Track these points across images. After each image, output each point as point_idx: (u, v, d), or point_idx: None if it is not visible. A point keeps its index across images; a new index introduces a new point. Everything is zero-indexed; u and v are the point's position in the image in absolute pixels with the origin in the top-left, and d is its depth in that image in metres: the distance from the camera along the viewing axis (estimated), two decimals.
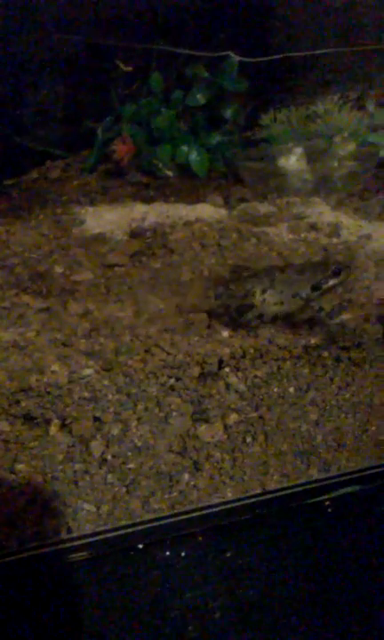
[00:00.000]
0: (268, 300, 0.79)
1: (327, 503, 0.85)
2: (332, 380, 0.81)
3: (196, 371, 0.75)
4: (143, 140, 1.52)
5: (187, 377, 0.75)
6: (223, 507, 0.81)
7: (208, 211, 1.36)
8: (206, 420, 0.77)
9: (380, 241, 1.22)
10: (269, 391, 0.79)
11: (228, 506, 0.81)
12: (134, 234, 1.26)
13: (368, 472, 0.86)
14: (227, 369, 0.76)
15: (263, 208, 1.33)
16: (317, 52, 1.51)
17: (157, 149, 1.47)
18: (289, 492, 0.84)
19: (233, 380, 0.77)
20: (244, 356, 0.77)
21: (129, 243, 1.23)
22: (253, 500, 0.82)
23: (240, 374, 0.77)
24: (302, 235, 1.24)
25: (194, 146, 1.50)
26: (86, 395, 0.70)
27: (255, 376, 0.78)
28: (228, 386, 0.77)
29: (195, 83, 1.54)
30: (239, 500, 0.82)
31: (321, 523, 0.85)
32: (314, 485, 0.84)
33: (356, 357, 0.80)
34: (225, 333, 0.79)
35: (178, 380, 0.75)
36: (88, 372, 0.70)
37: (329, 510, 0.85)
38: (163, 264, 1.14)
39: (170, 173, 1.44)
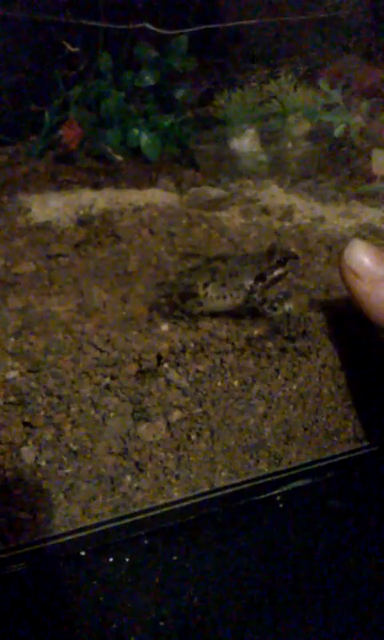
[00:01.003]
0: (210, 293, 0.73)
1: (278, 498, 0.81)
2: (277, 371, 0.76)
3: (133, 368, 0.70)
4: (92, 123, 1.44)
5: (123, 375, 0.70)
6: (169, 507, 0.76)
7: (159, 196, 1.30)
8: (147, 419, 0.71)
9: (332, 223, 1.17)
10: (213, 386, 0.74)
11: (175, 506, 0.77)
12: (81, 222, 1.20)
13: (319, 464, 0.82)
14: (166, 365, 0.71)
15: (215, 192, 1.27)
16: (243, 22, 1.44)
17: (106, 133, 1.40)
18: (238, 488, 0.79)
19: (173, 375, 0.71)
20: (184, 351, 0.71)
21: (75, 231, 1.17)
22: (201, 498, 0.78)
23: (181, 369, 0.72)
24: (254, 219, 1.19)
25: (145, 129, 1.43)
26: (13, 399, 0.65)
27: (197, 371, 0.72)
28: (168, 382, 0.72)
29: (143, 63, 1.46)
30: (186, 499, 0.77)
31: (272, 518, 0.80)
32: (264, 480, 0.80)
33: (301, 347, 0.76)
34: (165, 327, 0.74)
35: (113, 378, 0.69)
36: (12, 374, 0.64)
37: (280, 505, 0.81)
38: (109, 253, 1.08)
39: (120, 158, 1.37)
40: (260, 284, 0.73)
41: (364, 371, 0.80)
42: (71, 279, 0.99)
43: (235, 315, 0.75)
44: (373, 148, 1.36)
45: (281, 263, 0.75)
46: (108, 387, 0.68)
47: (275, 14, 1.68)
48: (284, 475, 0.80)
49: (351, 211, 1.19)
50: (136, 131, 1.43)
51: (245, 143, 1.38)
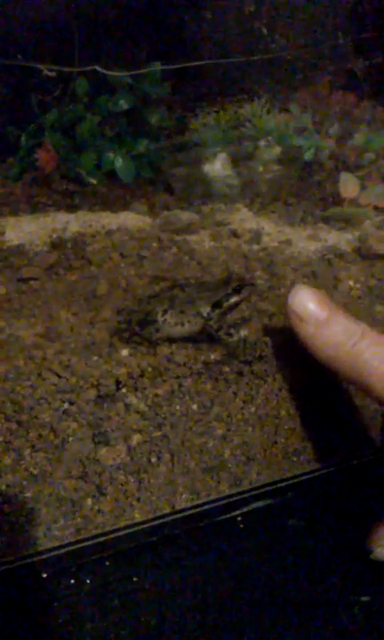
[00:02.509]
0: (169, 320, 0.76)
1: (239, 519, 0.83)
2: (235, 394, 0.78)
3: (91, 393, 0.72)
4: (67, 147, 1.47)
5: (82, 400, 0.71)
6: (130, 529, 0.78)
7: (132, 219, 1.33)
8: (107, 443, 0.73)
9: (299, 246, 1.20)
10: (172, 409, 0.76)
11: (136, 528, 0.78)
12: (55, 245, 1.22)
13: (279, 485, 0.83)
14: (124, 389, 0.73)
15: (186, 215, 1.29)
16: (217, 61, 1.49)
17: (81, 157, 1.42)
18: (199, 509, 0.81)
19: (132, 400, 0.73)
20: (142, 375, 0.73)
21: (48, 254, 1.19)
22: (162, 520, 0.79)
23: (139, 394, 0.74)
24: (224, 242, 1.21)
25: (119, 152, 1.46)
26: None
27: (156, 395, 0.74)
28: (127, 406, 0.73)
29: (118, 88, 1.50)
30: (147, 521, 0.79)
31: (233, 539, 0.82)
32: (224, 501, 0.82)
33: (258, 370, 0.78)
34: (124, 352, 0.76)
35: (72, 404, 0.71)
36: None
37: (241, 526, 0.82)
38: (80, 276, 1.10)
39: (94, 181, 1.40)
40: (217, 310, 0.76)
41: (320, 393, 0.83)
42: (41, 302, 1.01)
43: (192, 340, 0.77)
44: (342, 171, 1.39)
45: (237, 291, 0.77)
46: (66, 412, 0.70)
47: (248, 41, 1.72)
48: (244, 495, 0.82)
49: (318, 234, 1.22)
50: (111, 154, 1.46)
51: (218, 166, 1.41)
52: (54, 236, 1.25)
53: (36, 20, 1.53)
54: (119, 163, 1.43)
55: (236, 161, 1.46)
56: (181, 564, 0.78)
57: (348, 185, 1.32)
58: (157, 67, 1.45)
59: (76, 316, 0.95)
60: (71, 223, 1.30)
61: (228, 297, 0.76)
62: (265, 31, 1.65)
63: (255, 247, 1.18)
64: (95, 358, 0.73)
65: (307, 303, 0.65)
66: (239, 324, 0.79)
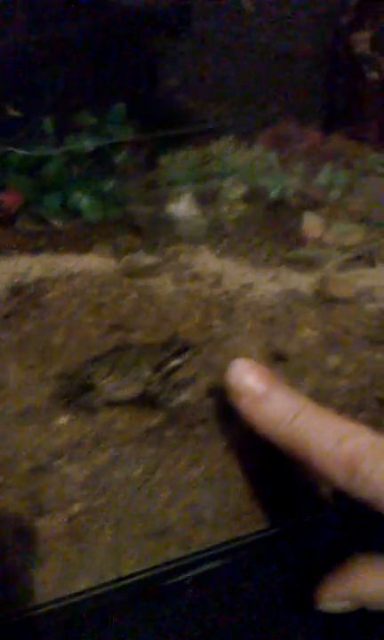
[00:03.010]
0: (108, 385, 0.74)
1: (188, 582, 0.80)
2: (178, 458, 0.76)
3: (25, 466, 0.70)
4: (32, 187, 1.46)
5: (16, 474, 0.69)
6: (73, 599, 0.76)
7: (95, 262, 1.32)
8: (44, 514, 0.71)
9: (261, 289, 1.19)
10: (112, 478, 0.74)
11: (79, 597, 0.76)
12: (14, 291, 1.21)
13: (230, 545, 0.81)
14: (60, 460, 0.71)
15: (149, 259, 1.29)
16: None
17: (45, 198, 1.42)
18: (145, 575, 0.78)
19: (69, 470, 0.71)
20: (79, 445, 0.72)
21: (6, 301, 1.17)
22: (106, 588, 0.77)
23: (76, 465, 0.72)
24: (185, 286, 1.20)
25: (86, 192, 1.45)
26: None
27: (94, 464, 0.73)
28: (65, 477, 0.72)
29: (83, 129, 1.50)
30: (91, 589, 0.76)
31: (182, 603, 0.80)
32: (172, 565, 0.80)
33: (201, 434, 0.76)
34: (63, 419, 0.74)
35: (7, 477, 0.69)
36: None
37: (190, 590, 0.80)
38: (35, 326, 1.08)
39: (58, 223, 1.39)
40: (158, 374, 0.74)
41: (268, 452, 0.81)
42: None
43: (132, 406, 0.75)
44: (306, 210, 1.39)
45: (178, 354, 0.76)
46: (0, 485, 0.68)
47: (214, 77, 1.73)
48: (193, 558, 0.80)
49: (279, 276, 1.21)
50: (78, 194, 1.45)
51: (183, 206, 1.40)
52: (15, 281, 1.24)
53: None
54: (85, 203, 1.42)
55: (201, 200, 1.45)
56: (126, 632, 0.76)
57: (312, 224, 1.32)
58: (121, 107, 1.45)
59: (27, 370, 0.93)
60: (34, 267, 1.29)
61: (167, 360, 0.75)
62: (230, 68, 1.65)
63: (216, 291, 1.17)
64: (31, 427, 0.72)
65: (244, 377, 0.64)
66: (181, 385, 0.78)
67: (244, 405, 0.64)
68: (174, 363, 0.76)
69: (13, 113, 1.54)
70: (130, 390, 0.75)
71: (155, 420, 0.75)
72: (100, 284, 1.19)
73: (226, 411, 0.76)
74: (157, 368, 0.75)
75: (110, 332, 1.05)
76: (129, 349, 0.79)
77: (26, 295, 1.17)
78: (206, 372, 0.86)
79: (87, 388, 0.75)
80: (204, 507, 0.79)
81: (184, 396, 0.77)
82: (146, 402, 0.76)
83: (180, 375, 0.80)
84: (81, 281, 1.20)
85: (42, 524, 0.71)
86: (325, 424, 0.64)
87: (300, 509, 0.82)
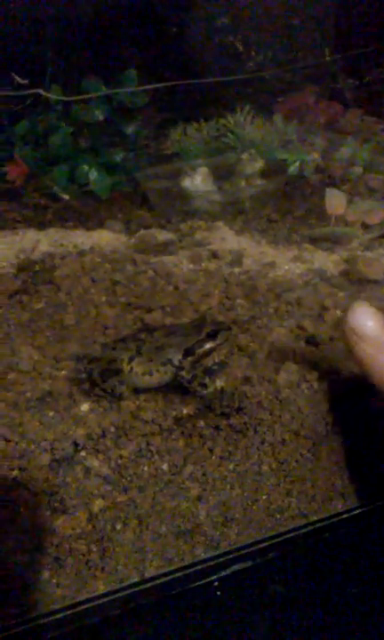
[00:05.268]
0: (136, 369, 0.65)
1: (216, 584, 0.73)
2: (211, 450, 0.68)
3: (45, 458, 0.61)
4: (39, 159, 1.36)
5: (34, 467, 0.61)
6: (93, 603, 0.68)
7: (106, 238, 1.22)
8: (64, 511, 0.63)
9: (283, 269, 1.10)
10: (138, 471, 0.65)
11: (100, 601, 0.68)
12: (21, 267, 1.11)
13: (260, 545, 0.74)
14: (84, 452, 0.63)
15: (163, 235, 1.19)
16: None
17: (54, 170, 1.31)
18: (171, 576, 0.71)
19: (93, 463, 0.63)
20: (104, 436, 0.63)
21: (14, 277, 1.08)
22: (129, 591, 0.69)
23: (101, 456, 0.63)
24: (203, 264, 1.11)
25: (94, 165, 1.35)
26: None
27: (120, 456, 0.64)
28: (87, 470, 0.63)
29: (93, 98, 1.39)
30: (112, 592, 0.68)
31: (210, 606, 0.72)
32: (200, 567, 0.72)
33: (236, 424, 0.67)
34: (84, 407, 0.65)
35: (23, 470, 0.60)
36: None
37: (218, 593, 0.72)
38: (46, 304, 0.99)
39: (66, 196, 1.29)
40: (189, 358, 0.65)
41: (307, 443, 0.73)
42: (2, 334, 0.90)
43: (162, 392, 0.66)
44: (328, 186, 1.30)
45: (211, 336, 0.67)
46: (15, 480, 0.59)
47: (232, 50, 1.62)
48: (221, 559, 0.72)
49: (303, 255, 1.12)
50: (85, 167, 1.35)
51: (198, 181, 1.30)
52: (22, 256, 1.15)
53: (7, 25, 1.42)
54: (94, 176, 1.32)
55: (217, 175, 1.35)
56: (152, 637, 0.68)
57: (335, 201, 1.22)
58: (133, 73, 1.34)
59: (40, 350, 0.84)
60: (41, 242, 1.19)
61: (201, 343, 0.66)
62: (248, 41, 1.54)
63: (236, 270, 1.08)
64: (50, 414, 0.63)
65: (368, 322, 0.58)
66: (215, 370, 0.69)
67: (364, 351, 0.59)
68: (207, 346, 0.68)
69: (20, 81, 1.43)
70: (158, 376, 0.66)
71: (185, 409, 0.66)
72: (113, 261, 1.09)
73: (265, 397, 0.68)
74: (188, 352, 0.66)
75: (126, 312, 0.96)
76: (155, 331, 0.70)
77: (34, 271, 1.08)
78: (238, 356, 0.77)
79: (112, 372, 0.66)
80: (234, 504, 0.70)
81: (220, 382, 0.68)
82: (176, 389, 0.67)
83: (211, 360, 0.71)
84: (92, 258, 1.10)
85: (61, 521, 0.63)
86: None
87: (340, 505, 0.74)
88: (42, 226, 1.25)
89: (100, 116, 1.35)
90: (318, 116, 1.48)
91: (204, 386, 0.64)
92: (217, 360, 0.71)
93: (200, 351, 0.66)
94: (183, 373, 0.63)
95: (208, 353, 0.66)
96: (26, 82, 1.43)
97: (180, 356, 0.64)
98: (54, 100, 1.40)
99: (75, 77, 1.43)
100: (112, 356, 0.66)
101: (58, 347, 0.86)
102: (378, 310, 0.60)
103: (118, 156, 1.36)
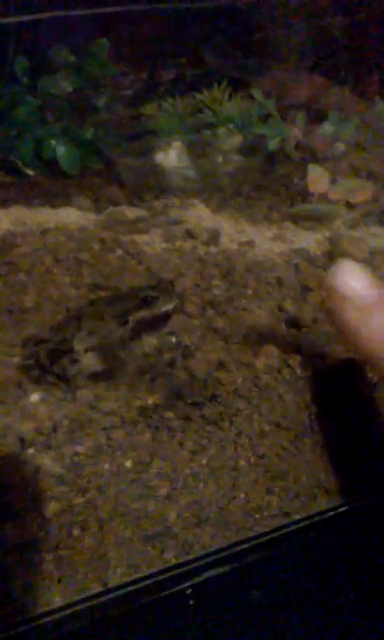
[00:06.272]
0: (77, 347, 0.55)
1: (188, 592, 0.64)
2: (181, 444, 0.59)
3: None
4: (2, 133, 1.25)
5: None
6: (48, 617, 0.59)
7: (73, 216, 1.12)
8: (11, 517, 0.53)
9: (262, 248, 1.01)
10: (98, 469, 0.56)
11: (56, 616, 0.59)
12: None
13: (237, 548, 0.65)
14: (32, 449, 0.53)
15: (134, 212, 1.09)
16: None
17: (16, 144, 1.20)
18: (138, 585, 0.62)
19: (44, 461, 0.54)
20: (55, 430, 0.54)
21: None
22: (90, 602, 0.60)
23: (53, 454, 0.54)
24: (177, 243, 1.02)
25: (62, 140, 1.24)
26: None
27: (75, 453, 0.55)
28: (36, 470, 0.54)
29: (60, 68, 1.28)
30: (71, 605, 0.60)
31: (181, 617, 0.63)
32: (170, 573, 0.63)
33: (210, 414, 0.59)
34: (35, 397, 0.56)
35: None
36: None
37: (191, 602, 0.64)
38: (4, 285, 0.89)
39: (30, 172, 1.18)
40: (125, 329, 0.55)
41: (287, 434, 0.64)
42: None
43: (125, 379, 0.57)
44: (310, 163, 1.21)
45: (147, 302, 0.56)
46: None
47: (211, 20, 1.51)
48: (194, 564, 0.63)
49: (284, 234, 1.04)
50: (52, 142, 1.24)
51: (172, 157, 1.21)
52: None
53: None
54: (61, 151, 1.22)
55: (193, 151, 1.26)
56: None
57: (317, 178, 1.13)
58: (104, 43, 1.24)
59: None
60: (2, 220, 1.09)
61: (132, 310, 0.55)
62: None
63: (213, 249, 0.99)
64: None
65: (352, 281, 0.49)
66: (182, 352, 0.60)
67: (349, 313, 0.49)
68: (140, 314, 0.56)
69: None
70: (104, 353, 0.56)
71: (151, 399, 0.57)
72: (79, 240, 1.00)
73: (242, 384, 0.59)
74: (121, 319, 0.56)
75: (92, 293, 0.87)
76: (99, 299, 0.60)
77: None
78: (212, 338, 0.68)
79: (60, 352, 0.56)
80: (208, 503, 0.62)
81: (190, 363, 0.59)
82: (140, 374, 0.58)
83: (185, 334, 0.62)
84: (56, 236, 1.00)
85: (7, 529, 0.54)
86: None
87: (326, 502, 0.66)
88: (4, 204, 1.14)
89: (68, 87, 1.24)
90: (300, 91, 1.38)
91: (173, 366, 0.54)
92: (174, 340, 0.61)
93: (134, 319, 0.55)
94: (112, 342, 0.52)
95: (145, 323, 0.56)
96: None
97: (115, 327, 0.54)
98: (20, 72, 1.29)
99: (41, 47, 1.32)
100: (61, 336, 0.56)
101: (13, 331, 0.76)
102: (366, 269, 0.51)
103: (88, 131, 1.25)
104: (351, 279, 0.49)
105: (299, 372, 0.61)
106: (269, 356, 0.61)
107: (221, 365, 0.60)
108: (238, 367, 0.60)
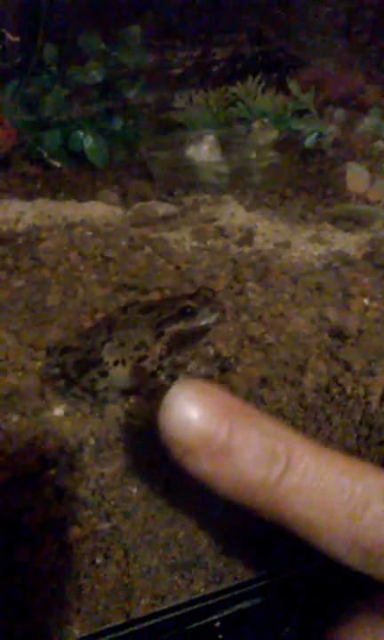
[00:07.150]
0: (106, 358, 0.49)
1: (217, 625, 0.58)
2: None
3: (4, 475, 0.46)
4: (29, 123, 1.19)
5: None
6: None
7: (99, 210, 1.06)
8: (27, 542, 0.47)
9: (299, 250, 0.94)
10: (125, 493, 0.50)
11: None
12: (1, 239, 0.95)
13: (271, 579, 0.58)
14: (53, 470, 0.47)
15: (164, 208, 1.03)
16: None
17: (44, 135, 1.14)
18: (163, 617, 0.56)
19: (66, 483, 0.47)
20: (80, 449, 0.47)
21: None
22: (112, 635, 0.54)
23: (77, 475, 0.48)
24: (208, 242, 0.95)
25: (90, 131, 1.18)
26: None
27: (102, 475, 0.49)
28: (59, 492, 0.48)
29: (90, 57, 1.21)
30: (91, 637, 0.53)
31: None
32: (198, 605, 0.57)
33: None
34: (58, 411, 0.50)
35: None
36: None
37: (220, 636, 0.57)
38: (27, 282, 0.83)
39: (58, 164, 1.12)
40: (159, 341, 0.48)
41: None
42: None
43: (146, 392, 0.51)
44: (348, 161, 1.13)
45: (186, 313, 0.49)
46: None
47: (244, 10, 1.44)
48: (225, 596, 0.57)
49: (321, 235, 0.97)
50: (80, 133, 1.18)
51: (204, 151, 1.14)
52: (4, 228, 0.98)
53: None
54: (89, 143, 1.15)
55: (225, 145, 1.19)
56: None
57: (357, 178, 1.06)
58: (136, 30, 1.17)
59: (16, 334, 0.69)
60: (26, 213, 1.03)
61: (171, 322, 0.49)
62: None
63: (246, 249, 0.92)
64: (15, 419, 0.47)
65: (190, 418, 0.35)
66: (220, 364, 0.53)
67: (199, 467, 0.36)
68: (176, 326, 0.50)
69: (11, 38, 1.26)
70: (133, 365, 0.49)
71: None
72: (105, 236, 0.93)
73: (286, 404, 0.52)
74: (159, 332, 0.49)
75: (119, 293, 0.81)
76: (129, 307, 0.53)
77: (16, 245, 0.92)
78: (250, 348, 0.62)
79: (89, 363, 0.49)
80: (245, 531, 0.55)
81: (234, 385, 0.52)
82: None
83: (222, 343, 0.55)
84: (82, 231, 0.94)
85: (24, 555, 0.48)
86: (333, 478, 0.37)
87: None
88: (29, 196, 1.09)
89: (97, 77, 1.18)
90: (338, 86, 1.30)
91: (173, 377, 0.47)
92: (212, 352, 0.54)
93: (169, 331, 0.48)
94: (146, 363, 0.46)
95: (182, 337, 0.49)
96: (17, 39, 1.27)
97: (149, 338, 0.47)
98: (48, 61, 1.23)
99: (71, 35, 1.26)
100: (90, 344, 0.50)
101: (37, 331, 0.70)
102: (205, 385, 0.37)
103: (117, 123, 1.19)
104: (188, 413, 0.35)
105: (349, 390, 0.54)
106: (316, 371, 0.54)
107: (263, 382, 0.53)
108: (282, 384, 0.53)
